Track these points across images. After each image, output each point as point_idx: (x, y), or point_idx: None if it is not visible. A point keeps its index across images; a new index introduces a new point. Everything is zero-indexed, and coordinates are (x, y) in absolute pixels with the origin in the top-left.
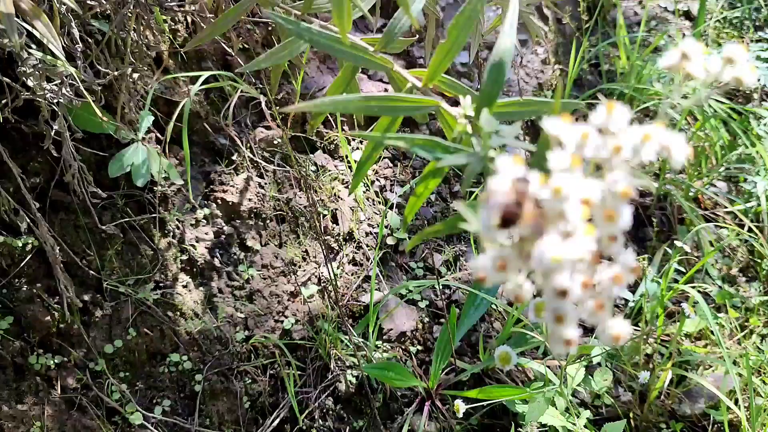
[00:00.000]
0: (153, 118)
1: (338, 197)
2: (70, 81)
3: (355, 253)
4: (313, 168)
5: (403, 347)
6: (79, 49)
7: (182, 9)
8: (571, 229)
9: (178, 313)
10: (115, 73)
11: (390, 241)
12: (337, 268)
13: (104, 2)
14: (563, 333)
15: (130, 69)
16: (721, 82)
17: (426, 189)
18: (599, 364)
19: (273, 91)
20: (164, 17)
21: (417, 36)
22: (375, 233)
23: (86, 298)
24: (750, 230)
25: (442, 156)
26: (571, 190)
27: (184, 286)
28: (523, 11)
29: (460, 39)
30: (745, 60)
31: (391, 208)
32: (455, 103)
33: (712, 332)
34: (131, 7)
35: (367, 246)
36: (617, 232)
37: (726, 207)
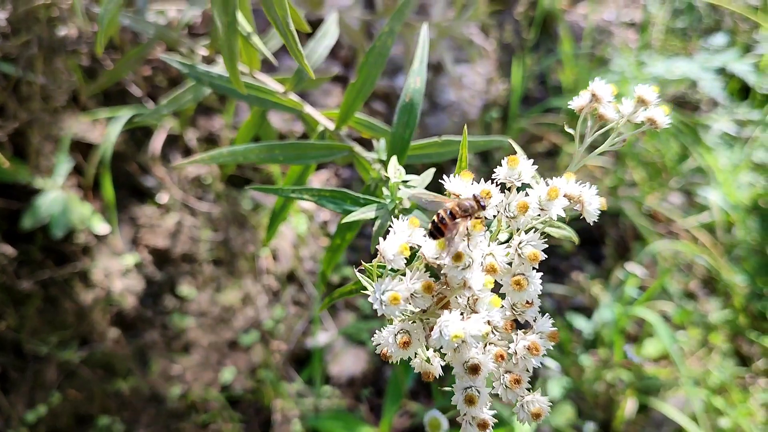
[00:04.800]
0: (72, 162)
1: (278, 234)
2: None
3: (299, 292)
4: (250, 205)
5: (353, 391)
6: None
7: (83, 52)
8: (474, 300)
9: (108, 370)
10: (24, 116)
11: (336, 278)
12: (280, 309)
13: (8, 44)
14: (476, 414)
15: (40, 112)
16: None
17: (343, 241)
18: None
19: (183, 136)
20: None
21: (336, 72)
22: (319, 271)
23: (3, 361)
24: (708, 241)
25: (351, 208)
26: (472, 257)
27: (114, 341)
28: (459, 36)
29: (372, 76)
30: (656, 101)
31: None
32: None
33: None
34: (36, 50)
35: (312, 284)
36: (529, 298)
37: (682, 220)
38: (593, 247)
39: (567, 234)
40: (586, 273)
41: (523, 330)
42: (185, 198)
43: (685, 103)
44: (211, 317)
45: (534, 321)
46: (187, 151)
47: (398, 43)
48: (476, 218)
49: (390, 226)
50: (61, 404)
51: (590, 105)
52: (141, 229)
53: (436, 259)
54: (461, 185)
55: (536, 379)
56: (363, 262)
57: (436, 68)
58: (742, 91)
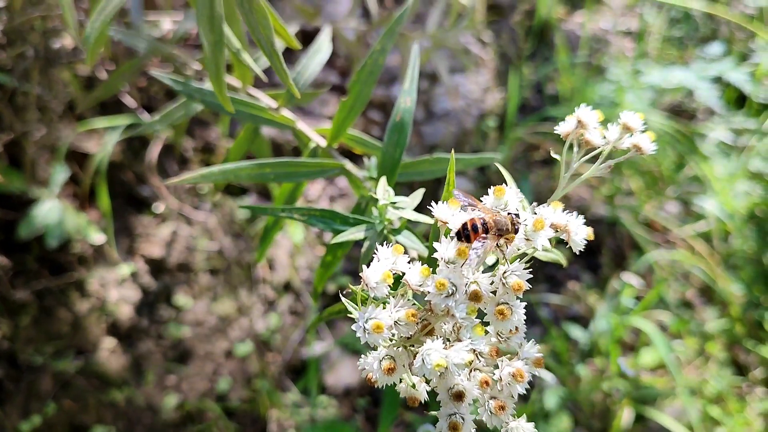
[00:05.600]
0: (68, 172)
1: (274, 243)
2: None
3: (295, 302)
4: (246, 214)
5: (349, 402)
6: None
7: (79, 63)
8: (458, 328)
9: (103, 380)
10: (20, 126)
11: (332, 287)
12: (276, 319)
13: (3, 55)
14: None
15: (36, 123)
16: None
17: (335, 258)
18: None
19: (178, 148)
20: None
21: (330, 86)
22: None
23: None
24: (704, 250)
25: (341, 228)
26: (456, 285)
27: (110, 351)
28: (454, 46)
29: (364, 94)
30: (641, 127)
31: None
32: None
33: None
34: (31, 61)
35: (309, 293)
36: (512, 327)
37: (678, 229)
38: (591, 256)
39: (555, 257)
40: (584, 282)
41: (508, 356)
42: (181, 207)
43: (681, 111)
44: (207, 327)
45: (520, 347)
46: (184, 161)
47: (395, 53)
48: (506, 239)
49: (375, 252)
50: (56, 414)
51: (576, 131)
52: (137, 238)
53: (420, 286)
54: (448, 212)
55: (533, 388)
56: (351, 285)
57: (432, 77)
58: (739, 100)
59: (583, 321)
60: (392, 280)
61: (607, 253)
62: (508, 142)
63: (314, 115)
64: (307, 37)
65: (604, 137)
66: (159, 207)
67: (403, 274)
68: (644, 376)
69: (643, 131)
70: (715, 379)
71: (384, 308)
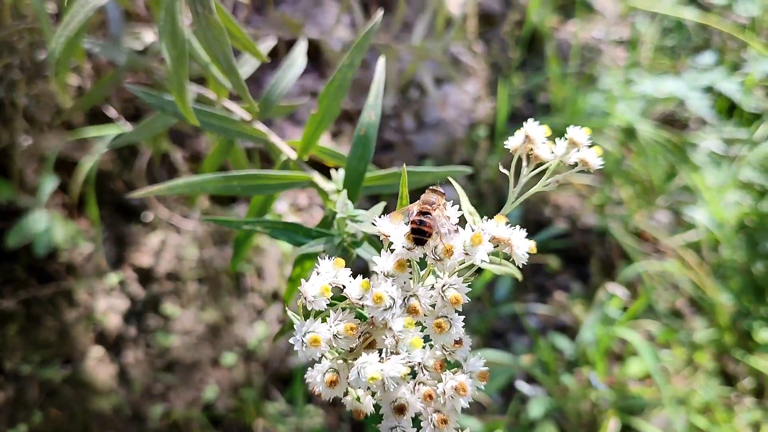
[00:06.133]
0: (57, 181)
1: (263, 251)
2: None
3: (283, 311)
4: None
5: (336, 411)
6: None
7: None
8: (396, 340)
9: (90, 390)
10: (7, 137)
11: None
12: (263, 328)
13: None
14: None
15: (23, 132)
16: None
17: (303, 271)
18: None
19: (157, 158)
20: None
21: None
22: None
23: None
24: (694, 260)
25: (304, 240)
26: (394, 298)
27: (97, 360)
28: (440, 58)
29: (333, 107)
30: (587, 142)
31: None
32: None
33: (659, 371)
34: (18, 72)
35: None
36: (453, 340)
37: (668, 239)
38: (580, 265)
39: (509, 271)
40: (573, 291)
41: (453, 370)
42: (170, 216)
43: (674, 121)
44: (195, 336)
45: (464, 361)
46: (173, 170)
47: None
48: (441, 208)
49: (316, 266)
50: (43, 423)
51: (525, 146)
52: (126, 247)
53: (360, 299)
54: (390, 227)
55: (511, 399)
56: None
57: (422, 87)
58: (730, 110)
59: (571, 330)
60: (330, 294)
61: (596, 262)
62: (498, 151)
63: (300, 121)
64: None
65: (552, 152)
66: (148, 216)
67: (344, 287)
68: (632, 386)
69: (590, 146)
70: (703, 389)
71: (324, 321)
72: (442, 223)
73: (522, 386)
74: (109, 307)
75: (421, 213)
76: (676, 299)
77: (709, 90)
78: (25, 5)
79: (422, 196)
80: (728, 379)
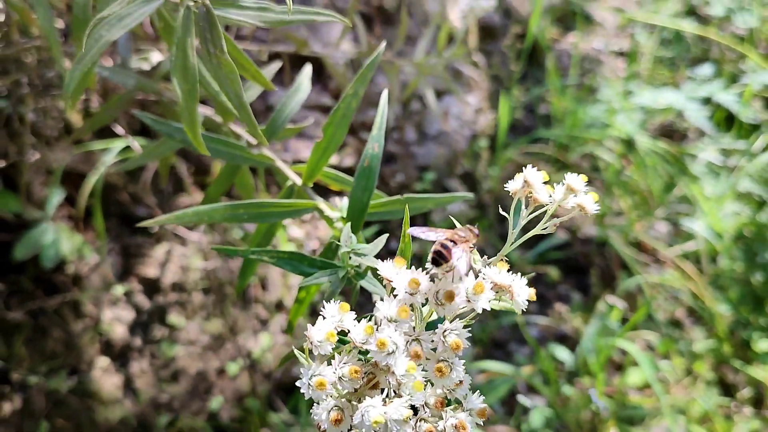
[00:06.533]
0: (64, 194)
1: (267, 264)
2: None
3: (287, 321)
4: (240, 234)
5: None
6: None
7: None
8: (399, 383)
9: (96, 400)
10: (15, 150)
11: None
12: (267, 338)
13: None
14: None
15: (31, 147)
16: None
17: (308, 294)
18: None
19: (163, 181)
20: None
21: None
22: None
23: None
24: (693, 270)
25: (309, 270)
26: (397, 343)
27: (103, 370)
28: (441, 75)
29: (337, 136)
30: (584, 189)
31: None
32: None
33: (659, 381)
34: (26, 89)
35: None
36: (454, 383)
37: (667, 249)
38: (581, 276)
39: (509, 306)
40: (573, 301)
41: (453, 407)
42: (176, 228)
43: (673, 132)
44: (200, 346)
45: (464, 399)
46: (179, 182)
47: (383, 79)
48: (471, 246)
49: (321, 310)
50: None
51: (524, 189)
52: (131, 258)
53: (364, 343)
54: (393, 271)
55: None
56: (307, 335)
57: (424, 100)
58: (728, 121)
59: (572, 340)
60: (336, 340)
61: (596, 272)
62: (499, 162)
63: (307, 137)
64: (302, 59)
65: (551, 196)
66: (153, 227)
67: (349, 331)
68: (632, 396)
69: (587, 192)
70: (702, 398)
71: (329, 364)
72: (459, 256)
73: (522, 399)
74: (115, 317)
75: (449, 240)
76: (675, 309)
77: (707, 101)
78: (33, 21)
79: (458, 228)
80: (727, 389)
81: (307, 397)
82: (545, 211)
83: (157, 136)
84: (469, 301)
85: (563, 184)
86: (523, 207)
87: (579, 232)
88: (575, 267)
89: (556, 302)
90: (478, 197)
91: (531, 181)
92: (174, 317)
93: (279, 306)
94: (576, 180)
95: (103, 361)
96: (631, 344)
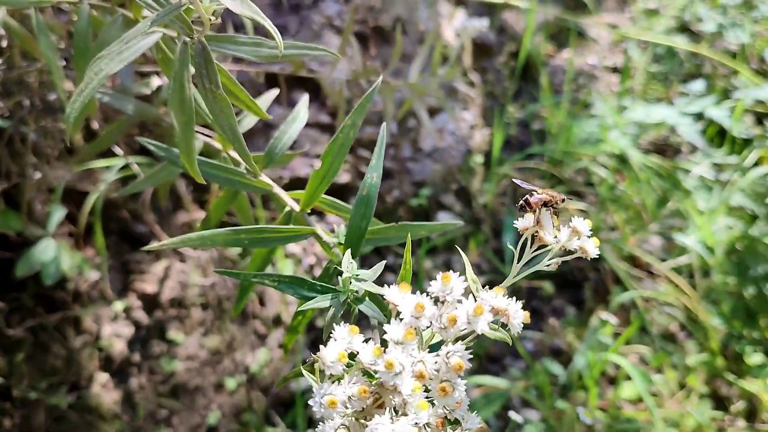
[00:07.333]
0: (65, 211)
1: None
2: None
3: (283, 343)
4: (238, 249)
5: None
6: None
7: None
8: (404, 402)
9: (96, 415)
10: (16, 170)
11: (320, 322)
12: (265, 353)
13: (1, 105)
14: None
15: (32, 166)
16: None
17: (304, 318)
18: None
19: (163, 201)
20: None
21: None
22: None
23: None
24: (685, 285)
25: (309, 294)
26: (403, 364)
27: (102, 386)
28: (435, 95)
29: (335, 165)
30: (588, 232)
31: None
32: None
33: (652, 395)
34: (28, 110)
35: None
36: (454, 403)
37: (660, 264)
38: (575, 290)
39: (503, 336)
40: (567, 315)
41: (452, 426)
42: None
43: (666, 146)
44: (199, 361)
45: (463, 419)
46: (177, 199)
47: (378, 97)
48: (555, 211)
49: (331, 331)
50: None
51: (533, 228)
52: (131, 275)
53: (372, 364)
54: (399, 296)
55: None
56: (314, 355)
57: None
58: (721, 136)
59: (566, 355)
60: (347, 360)
61: (590, 287)
62: (494, 178)
63: (307, 155)
64: (300, 78)
65: (556, 237)
66: (153, 244)
67: (357, 353)
68: (626, 409)
69: (590, 236)
70: (695, 411)
71: (339, 383)
72: (544, 214)
73: (514, 415)
74: (114, 333)
75: (542, 202)
76: (669, 323)
77: (700, 116)
78: (34, 47)
79: (551, 190)
80: (720, 402)
81: (318, 416)
82: (548, 248)
83: (157, 156)
84: (469, 323)
85: (569, 227)
86: (528, 245)
87: None
88: (570, 281)
89: (551, 316)
90: (472, 212)
91: (542, 222)
92: (173, 333)
93: (277, 321)
94: (582, 224)
95: (102, 377)
96: (623, 359)
